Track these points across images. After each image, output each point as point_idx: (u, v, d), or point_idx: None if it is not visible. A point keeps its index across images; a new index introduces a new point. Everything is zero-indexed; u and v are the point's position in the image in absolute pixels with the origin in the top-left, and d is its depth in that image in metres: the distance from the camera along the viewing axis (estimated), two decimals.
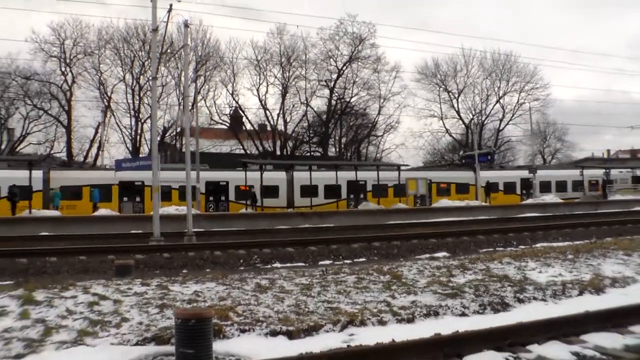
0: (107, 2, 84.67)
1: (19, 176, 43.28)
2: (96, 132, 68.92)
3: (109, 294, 11.68)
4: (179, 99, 66.80)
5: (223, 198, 50.18)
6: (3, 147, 67.67)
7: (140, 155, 59.12)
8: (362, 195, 53.49)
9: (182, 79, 59.88)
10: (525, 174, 61.74)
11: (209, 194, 49.40)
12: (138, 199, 47.58)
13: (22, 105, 67.28)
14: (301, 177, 51.21)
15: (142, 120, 68.72)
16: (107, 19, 75.16)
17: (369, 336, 9.35)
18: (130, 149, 68.56)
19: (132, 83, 68.51)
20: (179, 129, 64.33)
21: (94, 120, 69.22)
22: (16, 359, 8.26)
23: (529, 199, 57.61)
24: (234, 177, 50.26)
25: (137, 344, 8.96)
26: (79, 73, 67.52)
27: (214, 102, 72.17)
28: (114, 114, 68.90)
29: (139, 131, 69.19)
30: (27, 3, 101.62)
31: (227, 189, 50.15)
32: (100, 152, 67.84)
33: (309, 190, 50.54)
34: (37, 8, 78.40)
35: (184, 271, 17.87)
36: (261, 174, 49.13)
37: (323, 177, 52.13)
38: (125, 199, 47.46)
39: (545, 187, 60.99)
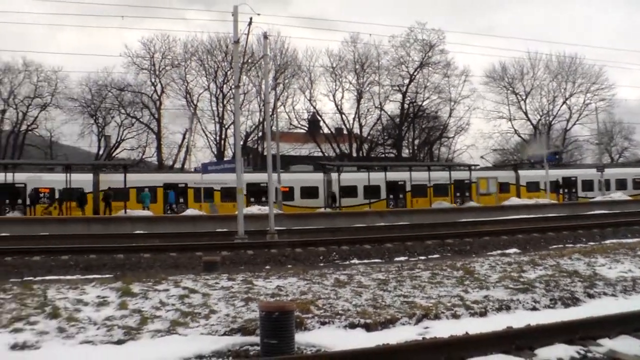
0: (189, 17, 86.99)
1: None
2: (184, 138, 71.33)
3: (198, 288, 12.41)
4: (259, 106, 69.00)
5: (264, 199, 50.06)
6: (101, 152, 70.80)
7: (225, 159, 60.74)
8: (401, 196, 53.36)
9: (263, 86, 61.42)
10: (577, 172, 61.86)
11: (250, 196, 49.60)
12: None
13: (117, 114, 71.51)
14: (343, 178, 51.18)
15: (226, 126, 71.42)
16: (192, 33, 77.74)
17: (443, 329, 9.63)
18: (215, 152, 70.59)
19: (216, 92, 71.71)
20: (260, 134, 65.93)
21: (182, 127, 71.84)
22: (117, 344, 8.97)
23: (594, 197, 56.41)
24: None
25: (224, 334, 9.53)
26: (167, 83, 71.38)
27: (293, 107, 74.45)
28: (200, 120, 71.34)
29: (222, 136, 71.61)
30: (121, 22, 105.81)
31: (267, 190, 50.15)
32: (187, 156, 70.11)
33: (348, 191, 50.83)
34: (129, 26, 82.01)
35: (267, 267, 18.38)
36: (339, 176, 49.66)
37: (363, 178, 51.74)
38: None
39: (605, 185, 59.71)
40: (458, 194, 54.79)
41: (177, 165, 69.75)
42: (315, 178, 51.85)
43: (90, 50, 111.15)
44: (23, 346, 8.84)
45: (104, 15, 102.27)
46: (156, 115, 70.56)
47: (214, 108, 71.39)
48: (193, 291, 12.07)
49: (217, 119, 71.36)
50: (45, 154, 70.90)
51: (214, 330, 9.64)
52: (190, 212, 40.74)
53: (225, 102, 70.51)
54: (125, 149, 72.97)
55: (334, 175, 51.51)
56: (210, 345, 8.88)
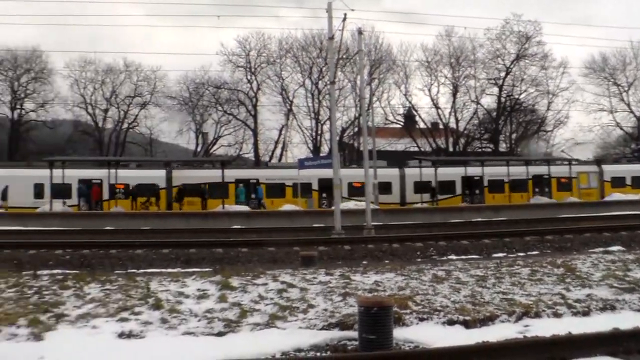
0: (282, 15, 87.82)
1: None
2: (280, 134, 72.13)
3: (296, 282, 12.53)
4: (355, 101, 68.98)
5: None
6: (199, 149, 72.48)
7: (321, 155, 61.08)
8: (477, 191, 51.78)
9: (358, 82, 61.33)
10: None
11: (322, 191, 49.70)
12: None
13: (214, 112, 72.86)
14: (414, 173, 50.33)
15: (322, 122, 71.52)
16: (286, 30, 78.52)
17: (544, 328, 9.41)
18: (312, 148, 71.13)
19: (312, 88, 71.81)
20: (356, 129, 65.97)
21: (278, 123, 72.64)
22: (218, 336, 9.14)
23: None
24: (345, 175, 50.31)
25: (322, 328, 9.56)
26: (263, 81, 71.98)
27: (388, 102, 73.75)
28: (296, 116, 72.10)
29: (318, 132, 71.88)
30: (217, 21, 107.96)
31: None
32: (284, 152, 70.88)
33: (422, 186, 49.84)
34: (225, 25, 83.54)
35: (364, 262, 18.36)
36: (435, 171, 48.99)
37: (433, 174, 50.51)
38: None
39: None
40: (537, 189, 52.89)
41: (274, 161, 70.42)
42: (389, 174, 50.94)
43: (188, 50, 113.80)
44: (129, 335, 9.15)
45: (199, 15, 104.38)
46: (252, 112, 71.58)
47: (310, 104, 71.73)
48: (291, 285, 12.20)
49: (312, 115, 71.75)
50: (145, 151, 73.17)
51: (312, 325, 9.68)
52: (288, 207, 41.07)
53: (320, 98, 70.85)
54: (222, 145, 74.48)
55: (408, 171, 50.91)
56: (308, 339, 8.95)
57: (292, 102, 71.49)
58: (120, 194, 46.08)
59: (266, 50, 71.21)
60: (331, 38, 29.12)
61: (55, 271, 15.40)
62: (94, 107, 72.35)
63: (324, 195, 48.41)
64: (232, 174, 47.20)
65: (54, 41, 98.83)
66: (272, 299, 11.24)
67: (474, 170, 51.94)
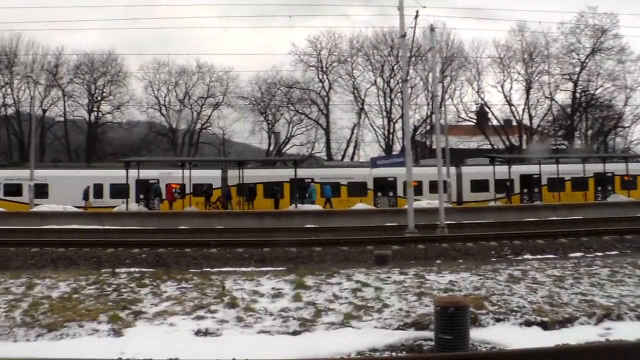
0: (351, 13, 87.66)
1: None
2: (352, 133, 72.05)
3: (370, 282, 12.48)
4: (427, 99, 68.62)
5: (391, 194, 49.62)
6: (271, 148, 73.14)
7: (393, 153, 60.88)
8: (536, 190, 49.85)
9: (430, 79, 60.76)
10: None
11: (377, 190, 48.98)
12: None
13: (286, 111, 73.46)
14: (471, 171, 49.29)
15: (394, 120, 71.29)
16: (357, 29, 78.33)
17: (627, 331, 9.14)
18: (383, 147, 70.95)
19: (383, 86, 71.75)
20: (428, 127, 65.48)
21: (350, 122, 72.69)
22: (293, 335, 9.21)
23: None
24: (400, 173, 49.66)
25: (397, 328, 9.53)
26: (334, 80, 72.24)
27: (461, 100, 72.81)
28: (368, 115, 71.99)
29: (390, 130, 71.66)
30: (287, 21, 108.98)
31: (395, 184, 49.31)
32: (356, 150, 70.89)
33: (481, 186, 48.73)
34: (295, 24, 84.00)
35: (438, 261, 18.17)
36: (509, 169, 48.00)
37: (491, 172, 49.34)
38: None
39: None
40: (599, 188, 50.63)
41: (346, 160, 70.43)
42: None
43: (259, 50, 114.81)
44: (206, 333, 9.30)
45: (270, 16, 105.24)
46: (324, 111, 71.86)
47: (382, 102, 71.65)
48: (365, 285, 12.15)
49: (384, 113, 71.62)
50: (218, 151, 74.22)
51: (387, 324, 9.66)
52: (360, 206, 40.97)
53: (392, 96, 70.72)
54: (294, 144, 74.96)
55: (465, 169, 49.84)
56: (383, 339, 8.92)
57: (363, 100, 71.59)
58: (177, 194, 46.88)
59: (337, 49, 71.80)
60: (403, 36, 28.96)
61: (132, 269, 15.76)
62: (168, 109, 73.91)
63: (379, 194, 48.24)
64: (285, 173, 47.68)
65: (128, 45, 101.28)
66: (346, 298, 11.23)
67: (531, 169, 50.33)
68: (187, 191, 46.37)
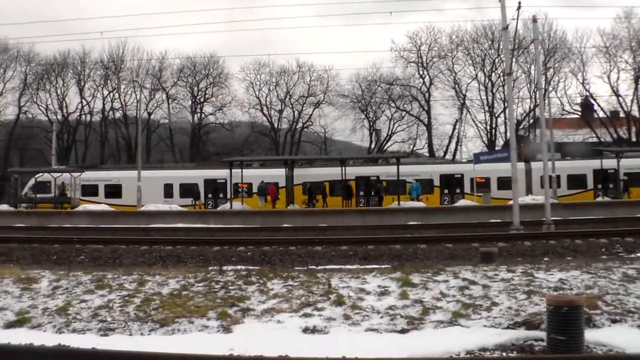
0: (445, 8, 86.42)
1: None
2: (454, 128, 71.24)
3: (477, 279, 12.26)
4: (529, 92, 66.77)
5: (458, 190, 47.97)
6: (372, 146, 73.11)
7: (496, 148, 59.70)
8: (611, 185, 46.75)
9: (532, 72, 59.22)
10: None
11: (444, 187, 47.84)
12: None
13: (387, 108, 73.12)
14: (541, 167, 46.89)
15: (496, 115, 69.88)
16: (456, 23, 77.15)
17: None
18: (486, 142, 69.65)
19: (485, 80, 70.09)
20: (531, 121, 63.85)
21: (451, 118, 71.78)
22: (401, 333, 9.13)
23: None
24: (467, 170, 48.26)
25: (507, 327, 9.31)
26: (435, 75, 71.40)
27: (565, 92, 69.96)
28: (469, 110, 70.83)
29: (493, 125, 70.16)
30: (384, 18, 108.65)
31: (462, 181, 48.11)
32: (458, 146, 69.89)
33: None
34: (394, 21, 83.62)
35: (546, 259, 17.59)
36: (618, 163, 46.03)
37: (564, 167, 47.11)
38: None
39: None
40: None
41: (449, 156, 69.65)
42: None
43: (358, 48, 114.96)
44: (313, 330, 9.33)
45: (368, 13, 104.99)
46: (425, 107, 71.24)
47: (483, 97, 70.23)
48: (472, 282, 11.96)
49: (486, 108, 70.20)
50: (319, 150, 74.76)
51: (497, 323, 9.46)
52: (463, 202, 40.45)
53: (494, 90, 69.21)
54: (396, 141, 74.48)
55: (534, 164, 47.58)
56: (493, 338, 8.73)
57: (465, 95, 70.39)
58: (244, 192, 47.70)
59: (437, 44, 71.03)
60: (505, 28, 28.44)
61: (239, 267, 15.99)
62: (269, 108, 74.94)
63: (446, 191, 47.40)
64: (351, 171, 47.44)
65: (229, 47, 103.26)
66: (453, 296, 11.09)
67: (608, 163, 47.55)
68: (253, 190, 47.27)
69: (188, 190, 47.88)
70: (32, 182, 48.89)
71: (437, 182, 47.09)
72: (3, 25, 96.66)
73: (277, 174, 48.42)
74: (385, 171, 47.87)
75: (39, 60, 75.66)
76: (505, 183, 44.97)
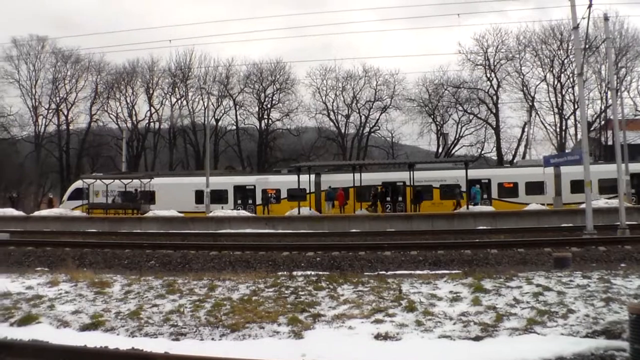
0: (508, 9, 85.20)
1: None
2: (522, 131, 69.93)
3: (552, 286, 11.97)
4: (600, 93, 64.97)
5: (485, 196, 45.92)
6: (440, 150, 72.49)
7: (566, 151, 58.44)
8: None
9: (603, 72, 57.68)
10: None
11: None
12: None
13: (455, 112, 72.49)
14: (571, 171, 45.06)
15: (566, 117, 68.23)
16: (523, 24, 75.63)
17: None
18: (556, 145, 68.19)
19: (554, 82, 68.54)
20: (602, 122, 62.22)
21: (520, 120, 70.50)
22: (475, 340, 8.89)
23: None
24: (494, 174, 47.10)
25: (586, 336, 8.97)
26: (502, 77, 70.15)
27: (638, 92, 68.02)
28: (538, 112, 69.37)
29: (562, 127, 68.63)
30: (453, 20, 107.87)
31: (489, 185, 46.21)
32: (527, 149, 68.57)
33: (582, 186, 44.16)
34: (461, 23, 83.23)
35: (622, 265, 17.17)
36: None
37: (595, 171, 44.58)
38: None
39: None
40: None
41: (517, 159, 68.33)
42: (542, 172, 46.83)
43: (424, 51, 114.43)
44: (385, 336, 9.18)
45: (432, 16, 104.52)
46: (493, 110, 70.25)
47: (552, 99, 68.71)
48: (547, 289, 11.67)
49: (555, 110, 68.72)
50: (387, 154, 74.52)
51: (574, 332, 9.13)
52: (533, 206, 39.57)
53: (563, 91, 67.69)
54: (463, 145, 73.78)
55: (564, 169, 45.93)
56: (571, 347, 8.42)
57: (533, 97, 69.06)
58: (273, 198, 48.26)
59: (504, 46, 69.80)
60: (575, 27, 27.78)
61: (308, 272, 15.98)
62: (336, 113, 75.05)
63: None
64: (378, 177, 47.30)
65: (295, 52, 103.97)
66: (527, 302, 10.82)
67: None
68: (283, 196, 48.18)
69: (218, 196, 48.47)
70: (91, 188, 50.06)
71: (464, 188, 46.20)
72: (75, 37, 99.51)
73: (306, 180, 48.74)
74: (438, 176, 47.26)
75: (109, 69, 77.93)
76: (533, 188, 44.31)
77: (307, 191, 46.91)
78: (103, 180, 48.42)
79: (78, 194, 51.49)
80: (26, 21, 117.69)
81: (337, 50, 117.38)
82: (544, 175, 43.14)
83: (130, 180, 48.79)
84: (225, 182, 49.08)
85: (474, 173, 45.50)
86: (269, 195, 48.57)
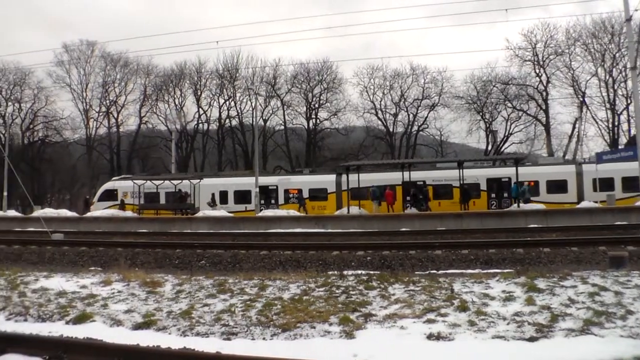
0: (554, 3, 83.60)
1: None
2: (573, 128, 68.71)
3: (608, 285, 11.68)
4: None
5: (506, 195, 45.30)
6: (489, 147, 71.77)
7: (619, 147, 57.32)
8: None
9: None
10: None
11: (491, 191, 45.76)
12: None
13: (503, 109, 71.67)
14: (592, 169, 43.53)
15: (618, 112, 67.08)
16: (573, 17, 74.11)
17: None
18: (608, 141, 66.93)
19: (605, 76, 67.39)
20: None
21: (570, 117, 69.33)
22: (529, 341, 8.68)
23: None
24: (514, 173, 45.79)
25: None
26: (552, 73, 69.09)
27: None
28: (589, 108, 68.12)
29: (615, 123, 67.35)
30: (500, 15, 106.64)
31: (509, 184, 45.10)
32: (578, 146, 67.53)
33: (606, 184, 42.31)
34: (507, 18, 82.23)
35: None
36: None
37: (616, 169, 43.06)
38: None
39: None
40: None
41: (569, 157, 67.26)
42: (565, 171, 45.53)
43: (471, 48, 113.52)
44: (438, 337, 9.05)
45: (478, 12, 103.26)
46: (543, 107, 69.25)
47: (604, 94, 67.56)
48: (603, 289, 11.40)
49: (607, 105, 67.50)
50: (435, 152, 74.13)
51: (634, 334, 8.84)
52: (585, 204, 38.85)
53: (615, 86, 66.52)
54: (513, 142, 72.98)
55: (586, 167, 44.75)
56: (631, 350, 8.17)
57: (584, 93, 67.93)
58: (294, 198, 48.64)
59: (553, 40, 68.84)
60: (628, 20, 27.25)
61: (358, 272, 15.89)
62: (384, 112, 74.98)
63: (493, 195, 45.55)
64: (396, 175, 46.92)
65: (339, 52, 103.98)
66: (583, 302, 10.56)
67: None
68: (305, 195, 48.70)
69: (242, 196, 49.30)
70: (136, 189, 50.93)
71: (483, 186, 45.51)
72: (123, 40, 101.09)
73: (327, 180, 49.54)
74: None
75: (157, 72, 79.08)
76: (555, 186, 43.33)
77: (328, 191, 47.76)
78: (135, 182, 49.58)
79: (108, 196, 52.96)
80: (76, 25, 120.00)
81: (379, 49, 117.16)
82: (566, 174, 42.53)
83: (162, 181, 50.40)
84: (249, 182, 49.53)
85: (495, 172, 45.03)
86: (291, 195, 49.13)
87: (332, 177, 49.71)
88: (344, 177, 48.24)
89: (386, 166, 52.98)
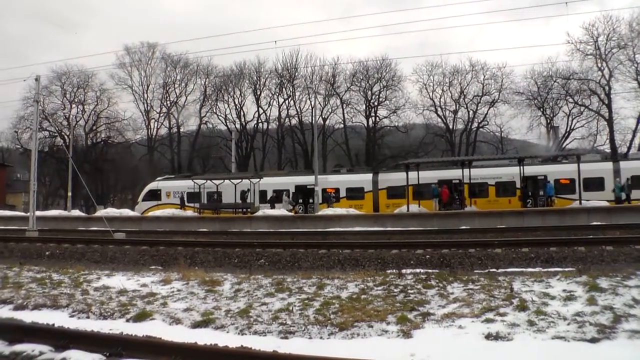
0: None
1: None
2: (638, 122, 66.91)
3: None
4: None
5: (541, 193, 43.40)
6: (550, 144, 70.49)
7: None
8: None
9: None
10: None
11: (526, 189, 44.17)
12: None
13: (565, 104, 70.12)
14: (631, 166, 42.24)
15: None
16: (637, 9, 71.99)
17: None
18: None
19: None
20: None
21: (634, 111, 67.50)
22: (591, 342, 8.52)
23: None
24: (550, 170, 44.92)
25: None
26: (615, 67, 67.08)
27: None
28: None
29: None
30: (560, 8, 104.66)
31: (545, 183, 43.91)
32: None
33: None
34: (565, 12, 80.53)
35: None
36: None
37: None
38: None
39: None
40: None
41: (633, 151, 65.47)
42: (601, 168, 44.00)
43: (531, 42, 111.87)
44: (496, 336, 8.96)
45: (538, 6, 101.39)
46: (606, 101, 67.60)
47: None
48: None
49: None
50: (496, 149, 73.23)
51: None
52: None
53: None
54: (575, 138, 71.37)
55: (623, 164, 43.39)
56: None
57: None
58: (333, 197, 48.65)
59: (616, 33, 66.79)
60: None
61: (417, 270, 15.81)
62: (444, 109, 74.44)
63: (530, 194, 44.17)
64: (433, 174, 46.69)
65: (396, 49, 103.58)
66: None
67: None
68: (342, 195, 49.19)
69: (280, 196, 49.49)
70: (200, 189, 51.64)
71: (518, 185, 44.49)
72: (184, 42, 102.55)
73: (364, 179, 49.77)
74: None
75: (217, 72, 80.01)
76: (591, 184, 42.02)
77: (365, 190, 47.81)
78: (176, 181, 50.51)
79: (152, 196, 53.88)
80: (136, 29, 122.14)
81: (434, 46, 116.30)
82: (604, 171, 41.48)
83: (205, 181, 51.40)
84: (288, 182, 50.43)
85: (530, 170, 44.23)
86: (329, 194, 49.23)
87: (369, 177, 49.94)
88: (380, 175, 48.93)
89: (445, 163, 52.45)
